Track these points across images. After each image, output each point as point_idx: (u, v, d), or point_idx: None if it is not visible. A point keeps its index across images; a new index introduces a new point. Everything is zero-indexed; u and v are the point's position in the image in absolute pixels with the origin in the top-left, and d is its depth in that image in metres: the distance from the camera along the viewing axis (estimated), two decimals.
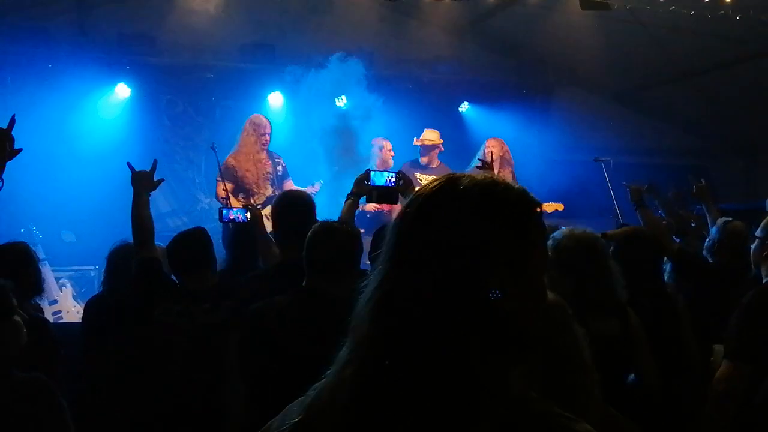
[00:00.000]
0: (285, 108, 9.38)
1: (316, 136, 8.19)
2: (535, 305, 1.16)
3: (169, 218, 9.31)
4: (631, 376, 2.97)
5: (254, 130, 7.32)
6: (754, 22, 7.99)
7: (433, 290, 1.11)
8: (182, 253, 3.87)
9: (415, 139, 8.05)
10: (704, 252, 4.59)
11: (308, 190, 7.14)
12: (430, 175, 7.53)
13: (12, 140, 2.58)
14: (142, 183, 3.89)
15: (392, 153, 7.77)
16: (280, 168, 7.41)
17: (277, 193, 7.23)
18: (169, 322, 3.66)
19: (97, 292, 4.83)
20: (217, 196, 7.05)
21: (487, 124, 9.63)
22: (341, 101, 8.82)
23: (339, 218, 4.07)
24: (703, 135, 11.35)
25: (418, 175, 7.67)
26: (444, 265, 1.11)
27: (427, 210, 1.17)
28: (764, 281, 3.12)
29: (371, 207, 7.06)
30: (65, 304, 6.89)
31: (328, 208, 7.57)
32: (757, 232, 3.20)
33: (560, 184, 8.46)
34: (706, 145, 11.41)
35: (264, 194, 7.23)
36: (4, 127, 2.60)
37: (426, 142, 7.97)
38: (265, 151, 7.36)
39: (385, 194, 4.30)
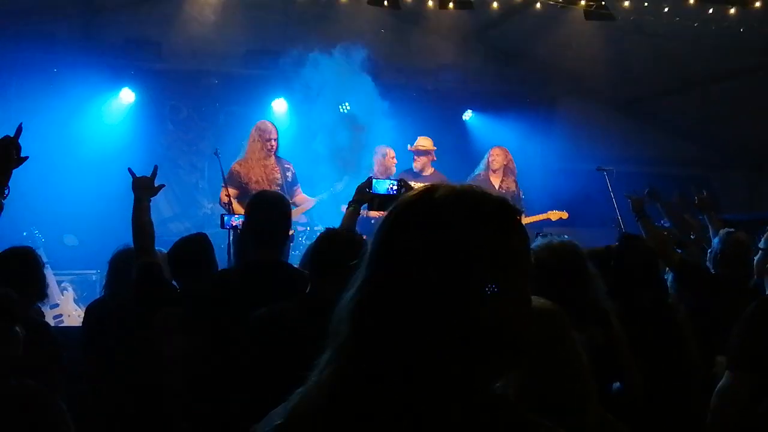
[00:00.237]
0: (289, 114, 9.40)
1: (320, 143, 8.20)
2: (516, 312, 1.15)
3: (172, 223, 9.32)
4: (616, 384, 2.97)
5: (260, 136, 7.28)
6: (758, 34, 8.00)
7: (409, 297, 1.12)
8: (183, 258, 3.88)
9: (408, 146, 8.06)
10: (707, 263, 4.58)
11: (323, 196, 7.17)
12: (423, 183, 7.53)
13: (19, 148, 2.60)
14: (143, 189, 3.89)
15: (395, 161, 7.76)
16: (289, 174, 7.32)
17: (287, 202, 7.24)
18: (169, 326, 3.66)
19: (98, 297, 4.83)
20: (220, 202, 7.04)
21: (490, 133, 9.65)
22: (345, 108, 8.84)
23: (340, 226, 4.07)
24: (707, 145, 11.34)
25: (411, 182, 7.66)
26: (420, 273, 1.12)
27: (405, 218, 1.18)
28: (767, 292, 3.12)
29: (375, 213, 7.06)
30: (66, 308, 6.90)
31: (330, 216, 7.61)
32: (761, 244, 3.20)
33: (563, 193, 8.47)
34: (709, 155, 11.39)
35: None
36: (11, 135, 2.62)
37: (420, 149, 7.98)
38: (272, 157, 7.28)
39: (387, 202, 4.30)
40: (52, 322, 6.12)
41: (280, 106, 9.48)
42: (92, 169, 8.40)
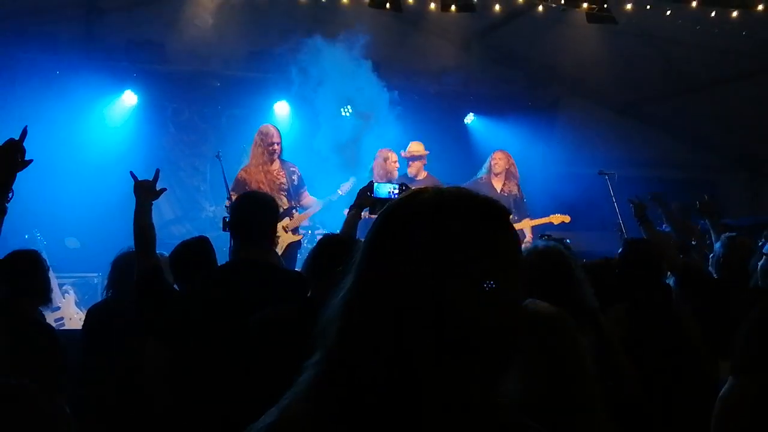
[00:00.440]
0: (291, 117, 9.40)
1: (323, 139, 8.20)
2: (505, 311, 1.14)
3: (173, 226, 9.32)
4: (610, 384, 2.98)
5: (262, 141, 7.25)
6: (760, 37, 8.00)
7: (398, 297, 1.12)
8: (184, 261, 3.88)
9: (402, 152, 8.06)
10: (709, 267, 4.58)
11: (333, 197, 7.14)
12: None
13: (23, 152, 2.59)
14: (145, 192, 3.88)
15: (397, 165, 7.72)
16: (295, 178, 7.25)
17: (293, 204, 7.19)
18: (169, 330, 3.65)
19: (99, 300, 4.83)
20: (227, 209, 6.91)
21: (492, 136, 9.65)
22: (347, 111, 8.84)
23: (341, 230, 4.07)
24: (709, 149, 11.34)
25: (431, 186, 7.64)
26: (408, 273, 1.12)
27: (393, 220, 1.19)
28: None
29: None
30: (68, 311, 6.89)
31: (334, 219, 7.60)
32: (766, 248, 3.19)
33: (565, 196, 8.46)
34: (712, 159, 11.39)
35: (279, 207, 7.08)
36: (16, 138, 2.62)
37: (414, 154, 7.98)
38: (277, 161, 7.24)
39: None
40: (53, 325, 6.11)
41: (282, 108, 9.48)
42: (94, 171, 8.40)
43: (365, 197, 4.28)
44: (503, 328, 1.14)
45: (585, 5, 7.63)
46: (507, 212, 1.20)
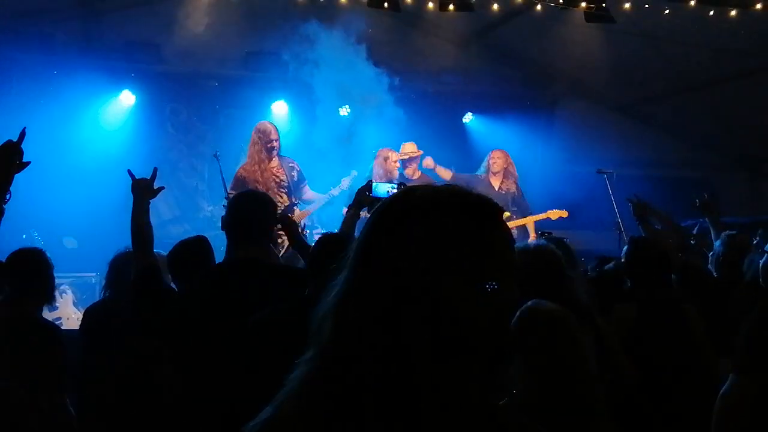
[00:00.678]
0: (289, 116, 9.39)
1: (321, 143, 8.19)
2: (496, 312, 1.14)
3: (172, 226, 9.30)
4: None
5: (259, 138, 7.23)
6: (758, 36, 8.00)
7: (391, 294, 1.12)
8: (183, 261, 3.87)
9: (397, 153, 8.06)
10: (709, 266, 4.58)
11: (333, 192, 7.12)
12: None
13: (21, 153, 2.59)
14: (143, 190, 3.88)
15: (397, 164, 7.70)
16: (294, 173, 7.21)
17: (294, 201, 7.16)
18: (167, 330, 3.64)
19: (97, 299, 4.82)
20: (224, 208, 6.86)
21: (491, 135, 9.64)
22: (345, 111, 8.82)
23: (339, 229, 4.06)
24: (707, 147, 11.34)
25: (421, 184, 7.64)
26: (400, 269, 1.12)
27: (386, 217, 1.19)
28: None
29: None
30: (66, 311, 6.88)
31: (334, 218, 7.58)
32: (767, 247, 3.19)
33: (564, 195, 8.46)
34: (710, 157, 11.39)
35: (279, 204, 7.01)
36: (13, 139, 2.61)
37: (411, 155, 7.98)
38: (276, 158, 7.21)
39: None
40: None
41: (280, 107, 9.47)
42: (92, 171, 8.39)
43: (364, 196, 4.26)
44: (498, 326, 1.14)
45: (583, 4, 7.63)
46: (501, 210, 1.20)
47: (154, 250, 3.87)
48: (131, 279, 3.81)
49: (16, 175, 2.68)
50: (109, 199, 7.53)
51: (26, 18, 8.83)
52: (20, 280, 3.72)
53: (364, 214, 4.27)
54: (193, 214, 9.50)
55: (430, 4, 8.32)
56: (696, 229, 6.42)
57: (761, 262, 3.19)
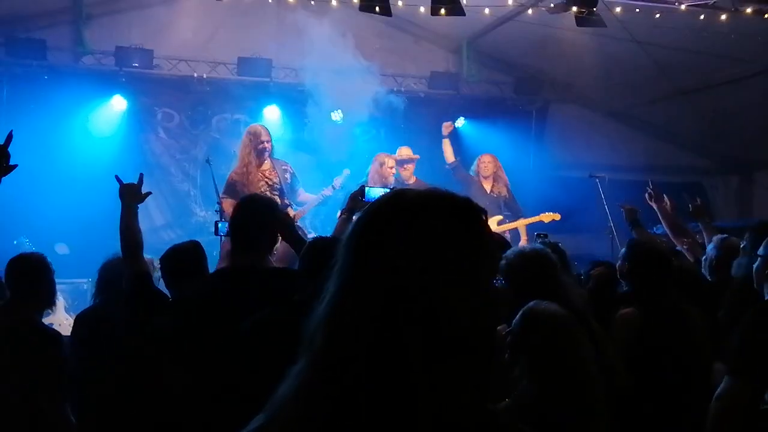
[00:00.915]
0: (281, 121, 9.38)
1: (312, 150, 8.18)
2: (484, 313, 1.16)
3: (164, 231, 9.25)
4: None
5: (249, 140, 7.21)
6: (749, 40, 8.03)
7: (382, 297, 1.12)
8: (177, 267, 3.85)
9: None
10: (702, 269, 4.59)
11: (326, 192, 7.09)
12: None
13: (8, 156, 2.58)
14: (130, 196, 3.88)
15: (393, 170, 7.70)
16: (288, 176, 7.18)
17: (287, 203, 7.12)
18: (162, 337, 3.63)
19: (88, 305, 4.79)
20: (222, 210, 6.82)
21: (482, 140, 9.65)
22: (337, 115, 8.84)
23: (333, 234, 4.05)
24: (699, 152, 11.39)
25: (406, 188, 7.64)
26: (391, 273, 1.13)
27: (377, 221, 1.19)
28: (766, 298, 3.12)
29: None
30: (57, 317, 6.82)
31: (322, 223, 7.59)
32: (760, 251, 3.19)
33: (556, 200, 8.48)
34: (702, 162, 11.44)
35: None
36: (1, 143, 2.60)
37: (405, 158, 8.00)
38: (268, 160, 7.18)
39: None
40: None
41: (272, 112, 9.46)
42: (83, 176, 8.34)
43: (357, 201, 4.26)
44: (494, 325, 1.16)
45: (574, 9, 7.64)
46: (485, 213, 1.23)
47: (146, 255, 3.87)
48: (123, 285, 3.79)
49: (4, 180, 2.67)
50: (100, 204, 7.46)
51: (17, 23, 8.80)
52: (21, 285, 3.69)
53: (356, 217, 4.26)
54: (185, 219, 9.48)
55: (422, 9, 8.32)
56: None
57: (755, 265, 3.19)
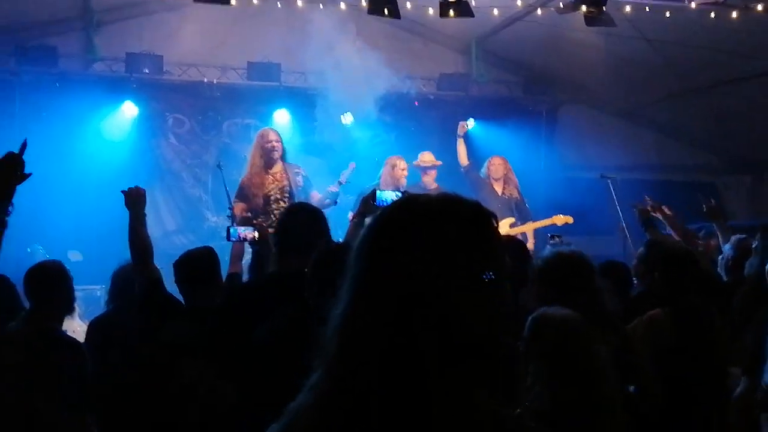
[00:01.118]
0: (291, 124, 9.39)
1: (322, 153, 8.18)
2: (497, 318, 1.17)
3: (175, 236, 9.29)
4: (631, 388, 2.98)
5: (258, 143, 7.20)
6: (760, 38, 7.98)
7: (399, 304, 1.12)
8: (191, 273, 3.86)
9: (414, 161, 8.08)
10: (719, 269, 4.56)
11: (332, 188, 7.08)
12: None
13: (22, 165, 2.59)
14: (135, 200, 3.93)
15: (405, 173, 7.67)
16: (299, 179, 7.12)
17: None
18: (175, 342, 3.64)
19: (101, 312, 4.81)
20: (233, 215, 6.80)
21: (493, 141, 9.62)
22: (347, 119, 8.84)
23: (344, 239, 4.05)
24: (711, 151, 11.32)
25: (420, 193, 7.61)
26: (409, 280, 1.13)
27: (389, 227, 1.20)
28: None
29: None
30: (71, 324, 6.84)
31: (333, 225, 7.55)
32: None
33: (567, 201, 8.45)
34: (714, 161, 11.37)
35: (279, 208, 6.89)
36: (15, 151, 2.61)
37: (427, 164, 8.00)
38: (279, 163, 7.12)
39: None
40: None
41: (282, 117, 9.47)
42: (95, 183, 8.38)
43: (368, 205, 4.24)
44: (507, 330, 1.16)
45: (584, 8, 7.61)
46: (496, 218, 1.24)
47: (160, 261, 3.88)
48: (137, 292, 3.81)
49: (18, 188, 2.68)
50: (113, 211, 7.46)
51: (28, 31, 8.86)
52: (42, 294, 3.70)
53: (368, 221, 4.25)
54: (197, 224, 9.50)
55: (431, 11, 8.31)
56: (702, 233, 6.40)
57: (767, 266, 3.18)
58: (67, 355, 3.59)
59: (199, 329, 3.64)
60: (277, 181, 7.06)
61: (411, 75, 9.93)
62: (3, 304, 3.85)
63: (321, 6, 8.41)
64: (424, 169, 8.00)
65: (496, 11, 8.54)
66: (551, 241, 5.25)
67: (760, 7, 7.63)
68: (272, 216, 6.89)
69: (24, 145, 2.64)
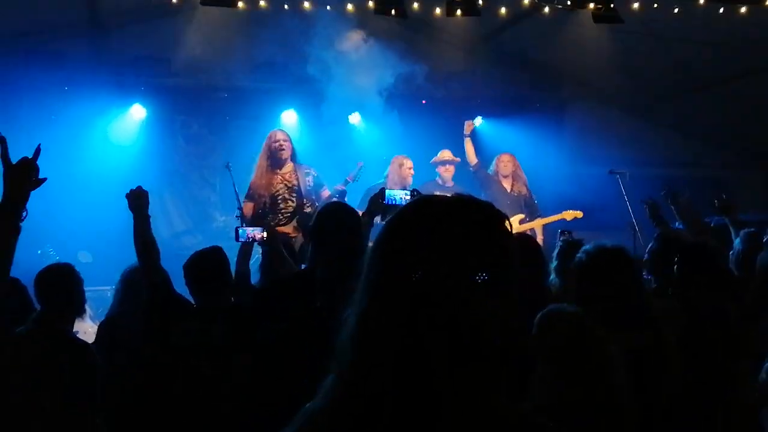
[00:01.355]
0: (299, 125, 9.40)
1: (330, 152, 8.18)
2: (506, 318, 1.17)
3: (185, 237, 9.32)
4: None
5: (267, 144, 7.22)
6: None
7: (410, 305, 1.13)
8: (198, 272, 3.86)
9: (432, 159, 8.11)
10: (730, 264, 4.54)
11: (339, 187, 7.08)
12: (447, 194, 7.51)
13: (37, 170, 2.59)
14: (138, 200, 3.94)
15: (412, 171, 7.69)
16: (309, 179, 7.10)
17: (307, 205, 7.06)
18: (187, 344, 3.64)
19: (109, 313, 4.83)
20: (242, 215, 6.75)
21: (501, 139, 9.61)
22: (354, 118, 8.82)
23: None
24: (720, 146, 11.26)
25: (437, 193, 7.61)
26: (419, 281, 1.14)
27: (400, 230, 1.22)
28: None
29: None
30: (82, 325, 6.87)
31: None
32: None
33: (576, 197, 8.43)
34: (723, 155, 11.31)
35: (287, 208, 6.98)
36: (29, 156, 2.61)
37: (446, 159, 8.02)
38: (289, 163, 7.10)
39: None
40: None
41: (290, 117, 9.48)
42: (104, 184, 8.41)
43: (377, 204, 4.23)
44: (517, 329, 1.18)
45: (591, 5, 7.59)
46: (508, 218, 1.25)
47: (170, 262, 3.89)
48: (145, 294, 3.82)
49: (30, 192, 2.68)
50: (122, 212, 7.53)
51: (37, 35, 8.89)
52: (52, 296, 3.71)
53: (377, 220, 4.25)
54: (206, 225, 9.53)
55: (437, 10, 8.31)
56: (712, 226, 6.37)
57: None
58: (77, 357, 3.60)
59: (209, 329, 3.65)
60: (286, 181, 7.06)
61: (419, 74, 9.92)
62: (15, 306, 3.86)
63: (328, 7, 8.41)
64: (444, 164, 8.02)
65: (503, 9, 8.52)
66: (561, 237, 5.24)
67: None
68: (280, 215, 6.90)
69: (38, 151, 2.64)
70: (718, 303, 3.57)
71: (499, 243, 1.19)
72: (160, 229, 8.67)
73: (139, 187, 4.00)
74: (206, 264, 3.88)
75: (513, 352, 1.18)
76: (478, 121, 9.94)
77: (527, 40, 9.63)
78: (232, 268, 4.31)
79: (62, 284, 3.76)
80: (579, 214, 7.73)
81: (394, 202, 4.24)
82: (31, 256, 7.23)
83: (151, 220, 4.00)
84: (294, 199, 6.98)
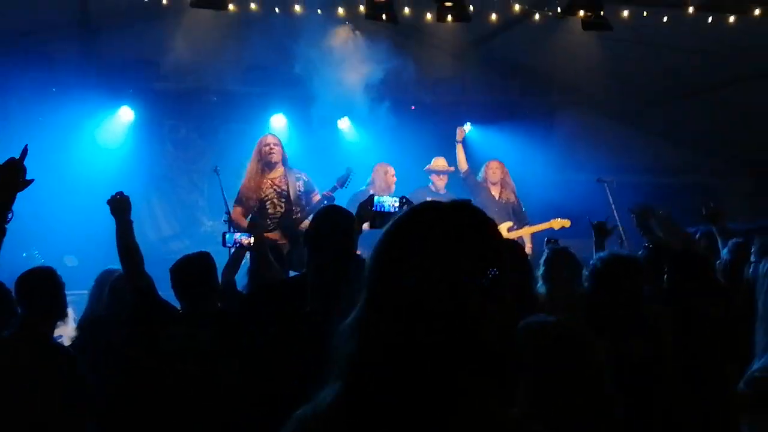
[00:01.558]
0: (288, 129, 9.39)
1: (318, 157, 8.17)
2: (500, 321, 1.19)
3: (172, 242, 9.27)
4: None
5: (257, 148, 7.19)
6: (758, 42, 8.00)
7: (407, 312, 1.14)
8: (185, 277, 3.84)
9: (426, 166, 8.11)
10: (717, 274, 4.55)
11: (327, 193, 7.06)
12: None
13: (24, 171, 2.56)
14: (119, 205, 3.92)
15: (395, 178, 7.76)
16: (300, 184, 7.07)
17: (297, 209, 7.04)
18: (173, 349, 3.62)
19: (85, 313, 4.79)
20: (230, 220, 6.64)
21: (489, 145, 9.62)
22: (343, 123, 8.80)
23: None
24: (708, 154, 11.33)
25: (429, 200, 7.62)
26: (415, 289, 1.15)
27: (395, 238, 1.23)
28: None
29: None
30: (66, 329, 6.82)
31: None
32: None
33: (563, 204, 8.45)
34: (711, 163, 11.37)
35: (276, 214, 6.93)
36: (16, 157, 2.59)
37: (440, 169, 8.03)
38: (280, 168, 7.06)
39: (388, 220, 4.23)
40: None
41: (279, 121, 9.47)
42: (91, 188, 8.35)
43: (366, 210, 4.22)
44: (513, 334, 1.18)
45: (581, 12, 7.61)
46: (495, 222, 1.28)
47: (157, 267, 3.86)
48: (129, 299, 3.80)
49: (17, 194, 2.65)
50: (108, 216, 7.47)
51: (25, 36, 8.84)
52: (34, 301, 3.68)
53: (366, 227, 4.24)
54: (193, 229, 9.49)
55: (428, 16, 8.32)
56: (698, 235, 6.39)
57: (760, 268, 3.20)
58: (59, 361, 3.57)
59: (196, 334, 3.63)
60: (275, 185, 7.03)
61: (408, 79, 9.92)
62: None
63: (319, 11, 8.40)
64: (438, 173, 8.03)
65: (493, 15, 8.54)
66: (548, 245, 5.24)
67: (757, 11, 7.64)
68: (268, 221, 6.87)
69: (24, 151, 2.62)
70: (709, 309, 3.59)
71: (493, 247, 1.21)
72: (147, 233, 8.67)
73: (120, 193, 3.97)
74: (193, 269, 3.86)
75: (510, 357, 1.19)
76: (468, 127, 9.96)
77: (517, 47, 9.66)
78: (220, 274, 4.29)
79: (45, 288, 3.74)
80: (567, 223, 7.74)
81: (383, 208, 4.23)
82: (17, 258, 7.17)
83: (138, 224, 3.99)
84: (283, 204, 6.95)
